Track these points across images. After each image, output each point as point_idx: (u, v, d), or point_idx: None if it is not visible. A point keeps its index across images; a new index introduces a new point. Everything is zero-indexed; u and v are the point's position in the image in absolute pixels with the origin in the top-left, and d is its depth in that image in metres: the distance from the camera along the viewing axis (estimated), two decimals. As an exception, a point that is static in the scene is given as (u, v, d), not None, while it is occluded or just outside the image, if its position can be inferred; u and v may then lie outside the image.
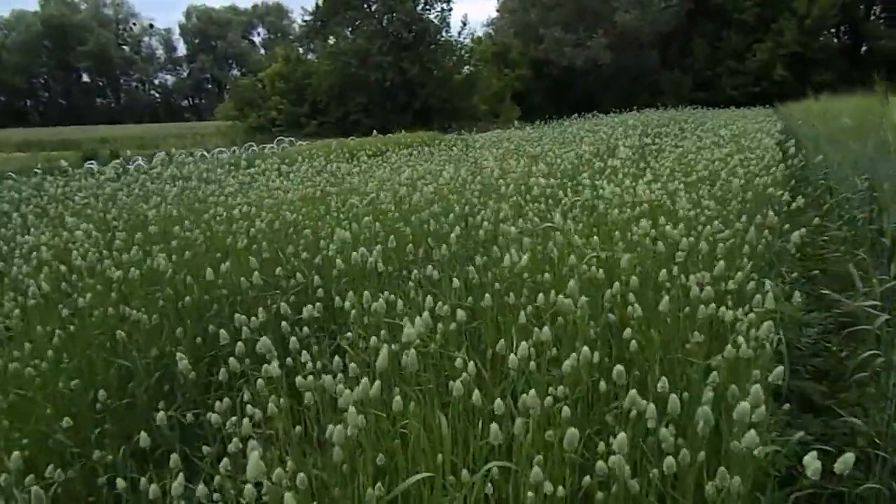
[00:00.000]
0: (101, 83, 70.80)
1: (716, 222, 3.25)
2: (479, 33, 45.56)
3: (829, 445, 2.88)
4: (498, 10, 50.03)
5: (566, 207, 3.84)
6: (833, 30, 39.69)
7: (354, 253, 3.15)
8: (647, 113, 21.40)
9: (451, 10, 37.75)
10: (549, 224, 3.20)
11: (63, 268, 3.49)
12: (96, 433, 2.82)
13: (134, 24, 73.65)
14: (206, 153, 18.92)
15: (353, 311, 2.62)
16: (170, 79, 78.07)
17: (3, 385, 2.79)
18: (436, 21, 37.12)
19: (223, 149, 20.71)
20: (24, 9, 69.45)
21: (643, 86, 39.85)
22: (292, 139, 25.76)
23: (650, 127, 12.33)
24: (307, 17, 38.96)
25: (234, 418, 2.35)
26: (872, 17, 42.24)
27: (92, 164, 16.03)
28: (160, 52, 77.93)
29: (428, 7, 37.17)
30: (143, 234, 3.91)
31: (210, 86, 79.31)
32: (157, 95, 76.95)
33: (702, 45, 40.32)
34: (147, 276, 3.47)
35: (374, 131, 16.49)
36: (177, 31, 76.93)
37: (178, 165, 6.85)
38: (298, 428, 2.21)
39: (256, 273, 3.27)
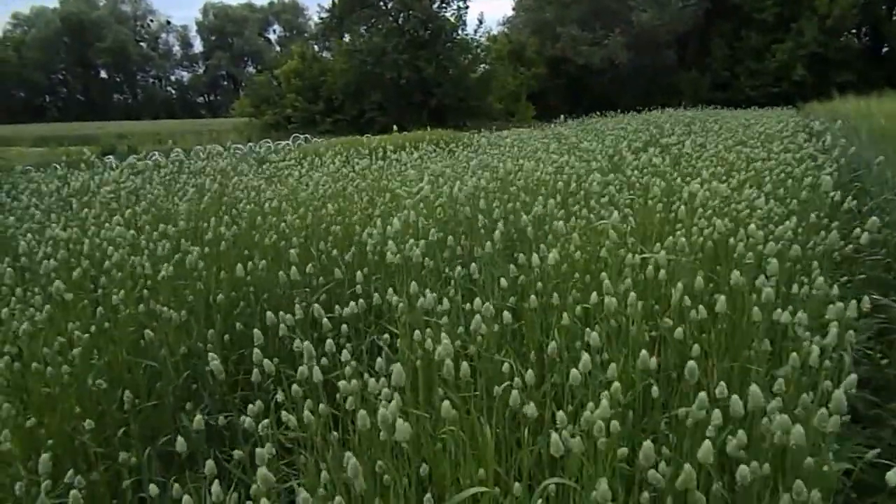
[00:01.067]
0: (118, 79, 71.32)
1: (787, 223, 3.08)
2: (495, 32, 45.35)
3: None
4: (514, 9, 49.87)
5: (620, 204, 3.72)
6: (854, 30, 39.09)
7: (396, 247, 3.01)
8: (669, 111, 21.13)
9: (467, 8, 37.69)
10: (603, 221, 3.09)
11: (86, 262, 3.42)
12: (121, 434, 2.75)
13: (151, 20, 74.20)
14: (222, 149, 18.97)
15: (400, 310, 2.52)
16: (186, 75, 78.59)
17: (29, 382, 2.73)
18: (452, 19, 36.99)
19: (240, 145, 20.76)
20: (43, 5, 70.21)
21: (661, 86, 39.49)
22: (308, 136, 25.79)
23: (677, 125, 12.15)
24: (323, 15, 39.00)
25: (265, 421, 2.26)
26: (894, 18, 41.65)
27: (110, 158, 16.12)
28: (177, 48, 78.47)
29: (444, 5, 37.07)
30: (172, 229, 3.83)
31: (226, 83, 79.64)
32: (173, 92, 77.37)
33: (720, 45, 39.88)
34: (177, 272, 3.40)
35: (395, 128, 16.35)
36: (193, 27, 77.44)
37: (201, 159, 6.75)
38: (335, 434, 2.11)
39: (294, 268, 3.18)
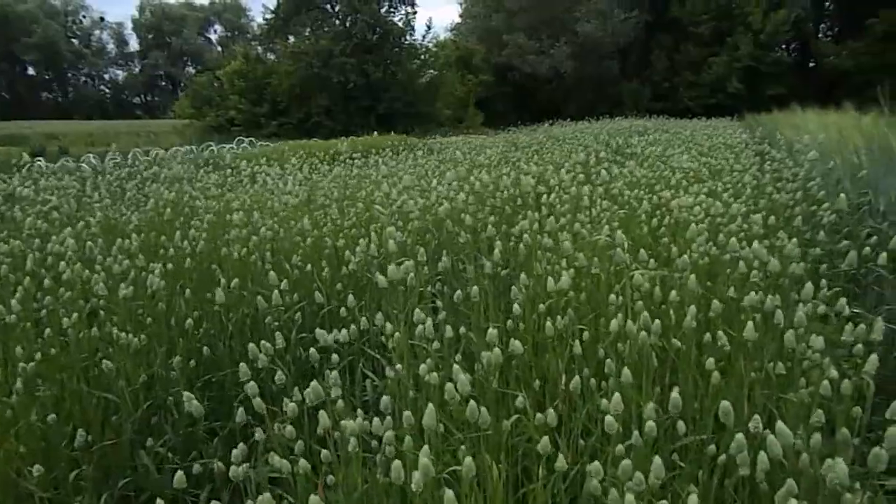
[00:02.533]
0: (47, 77, 67.85)
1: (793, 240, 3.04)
2: (443, 38, 45.42)
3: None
4: (461, 16, 50.12)
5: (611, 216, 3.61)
6: (784, 46, 41.01)
7: (390, 268, 2.80)
8: (621, 120, 21.53)
9: (415, 13, 37.46)
10: (606, 237, 2.98)
11: (27, 280, 3.08)
12: (73, 476, 2.46)
13: (84, 16, 70.89)
14: (162, 152, 18.19)
15: (396, 338, 2.33)
16: (121, 74, 75.43)
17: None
18: (400, 24, 36.81)
19: (179, 148, 19.96)
20: (-36, -3, 66.07)
21: (604, 95, 40.43)
22: (252, 139, 25.08)
23: (633, 135, 12.31)
24: (268, 16, 38.13)
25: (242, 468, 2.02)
26: (820, 35, 43.89)
27: (39, 161, 15.17)
28: (111, 46, 75.23)
29: (392, 10, 36.86)
30: (130, 244, 3.51)
31: (163, 83, 76.94)
32: (107, 91, 74.14)
33: (660, 58, 41.15)
34: (135, 292, 3.10)
35: (347, 136, 16.08)
36: (129, 25, 74.46)
37: (148, 162, 6.35)
38: (331, 478, 1.91)
39: (276, 292, 2.93)
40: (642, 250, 2.80)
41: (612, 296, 2.45)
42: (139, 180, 5.87)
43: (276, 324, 3.07)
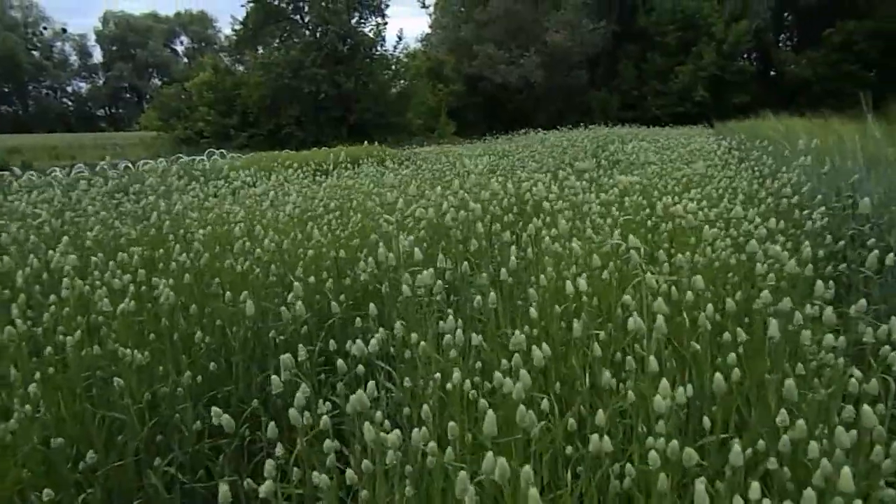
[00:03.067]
0: (6, 89, 66.12)
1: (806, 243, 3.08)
2: (413, 49, 45.58)
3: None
4: (431, 26, 50.38)
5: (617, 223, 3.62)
6: (746, 55, 42.09)
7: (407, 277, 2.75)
8: (600, 128, 21.73)
9: (385, 24, 37.52)
10: (617, 241, 2.98)
11: (21, 297, 2.97)
12: (81, 501, 2.36)
13: (45, 28, 69.36)
14: (130, 165, 17.85)
15: (422, 348, 2.29)
16: (84, 86, 73.94)
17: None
18: (371, 35, 36.84)
19: (149, 161, 19.62)
20: (-82, 8, 64.11)
21: (573, 104, 40.91)
22: (223, 151, 24.77)
23: (611, 142, 12.44)
24: (237, 27, 37.80)
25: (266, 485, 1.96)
26: (780, 45, 45.21)
27: (2, 174, 14.75)
28: (74, 58, 73.76)
29: (363, 21, 36.89)
30: (133, 257, 3.40)
31: (128, 95, 75.64)
32: (69, 104, 72.57)
33: (628, 67, 41.87)
34: (138, 307, 3.00)
35: (329, 144, 16.01)
36: (92, 37, 73.09)
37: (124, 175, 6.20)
38: (365, 493, 1.86)
39: (299, 303, 2.86)
40: (659, 252, 2.83)
41: (627, 297, 2.46)
42: (130, 193, 5.72)
43: (281, 337, 3.01)
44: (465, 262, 3.10)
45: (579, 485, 1.96)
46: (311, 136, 32.69)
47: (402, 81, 38.15)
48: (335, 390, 2.53)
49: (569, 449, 2.04)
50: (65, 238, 3.47)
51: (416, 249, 2.77)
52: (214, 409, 2.12)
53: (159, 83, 70.01)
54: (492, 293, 2.60)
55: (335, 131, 33.14)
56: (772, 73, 43.08)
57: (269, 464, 1.90)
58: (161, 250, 3.56)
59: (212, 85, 36.09)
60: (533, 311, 2.51)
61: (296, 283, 2.91)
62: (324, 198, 5.11)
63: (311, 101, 34.29)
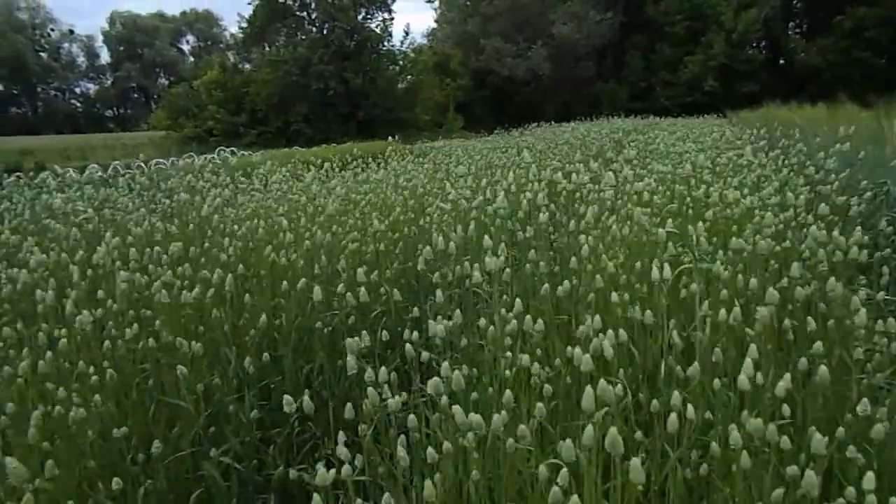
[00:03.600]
0: (15, 91, 66.51)
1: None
2: (419, 44, 45.49)
3: None
4: (437, 21, 50.25)
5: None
6: (756, 44, 41.75)
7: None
8: (611, 120, 21.53)
9: (392, 19, 37.50)
10: (673, 230, 2.99)
11: (74, 293, 3.00)
12: (142, 492, 2.39)
13: (52, 29, 69.58)
14: (143, 165, 17.94)
15: (490, 335, 2.31)
16: (92, 87, 74.21)
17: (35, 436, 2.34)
18: (378, 31, 36.83)
19: (162, 161, 19.71)
20: (-74, 11, 64.51)
21: (581, 96, 40.75)
22: (234, 149, 24.84)
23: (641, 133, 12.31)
24: (244, 25, 37.87)
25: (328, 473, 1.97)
26: (789, 33, 44.87)
27: (20, 175, 14.86)
28: (81, 59, 74.03)
29: (369, 17, 36.86)
30: (169, 252, 3.43)
31: (136, 95, 75.92)
32: (77, 105, 72.90)
33: (636, 58, 41.65)
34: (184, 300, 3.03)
35: (338, 141, 16.04)
36: (100, 37, 73.32)
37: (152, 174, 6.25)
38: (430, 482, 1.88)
39: (363, 289, 2.88)
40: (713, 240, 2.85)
41: (693, 285, 2.47)
42: (164, 190, 5.76)
43: (329, 329, 3.04)
44: (532, 251, 3.12)
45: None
46: (319, 132, 32.75)
47: (409, 77, 38.13)
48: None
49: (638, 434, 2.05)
50: (107, 235, 3.49)
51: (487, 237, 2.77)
52: (286, 397, 2.16)
53: (166, 83, 70.28)
54: (545, 285, 2.62)
55: (343, 128, 33.19)
56: (781, 61, 42.78)
57: (344, 451, 1.92)
58: (206, 244, 3.58)
59: (220, 83, 36.21)
60: (591, 297, 2.53)
61: (359, 270, 2.94)
62: (375, 189, 5.13)
63: (319, 98, 34.35)
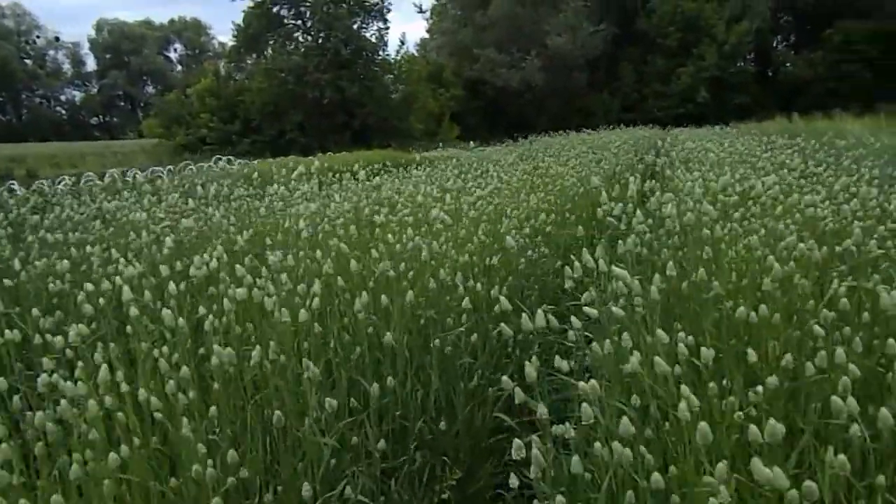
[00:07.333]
0: (0, 98, 65.60)
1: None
2: (411, 53, 45.49)
3: None
4: (428, 31, 50.32)
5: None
6: (747, 56, 42.26)
7: None
8: (625, 130, 21.33)
9: (387, 29, 37.48)
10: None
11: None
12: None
13: (38, 36, 68.76)
14: (139, 172, 17.62)
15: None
16: (78, 95, 73.31)
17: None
18: (373, 40, 36.78)
19: (159, 169, 19.39)
20: None
21: (574, 107, 40.90)
22: (230, 158, 24.53)
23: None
24: (237, 33, 37.61)
25: None
26: (776, 45, 45.52)
27: (13, 184, 14.50)
28: (67, 66, 73.14)
29: (364, 26, 36.81)
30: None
31: (122, 103, 75.14)
32: (63, 112, 71.98)
33: (628, 69, 41.95)
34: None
35: (333, 150, 15.86)
36: (86, 45, 72.51)
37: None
38: None
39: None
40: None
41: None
42: (237, 198, 5.53)
43: (448, 348, 2.86)
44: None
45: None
46: (314, 141, 32.52)
47: (402, 87, 38.03)
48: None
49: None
50: (217, 243, 3.28)
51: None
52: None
53: (153, 91, 69.63)
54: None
55: (339, 137, 32.98)
56: (770, 73, 43.36)
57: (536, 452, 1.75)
58: (300, 253, 3.35)
59: (214, 91, 35.90)
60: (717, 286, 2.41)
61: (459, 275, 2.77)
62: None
63: (314, 107, 34.16)
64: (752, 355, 2.18)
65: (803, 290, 2.61)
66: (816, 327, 2.22)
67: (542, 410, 1.93)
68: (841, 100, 31.09)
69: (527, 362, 2.05)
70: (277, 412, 2.36)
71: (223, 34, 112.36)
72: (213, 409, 2.35)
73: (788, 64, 42.51)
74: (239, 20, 37.10)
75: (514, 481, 1.92)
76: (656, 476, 1.73)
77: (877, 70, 35.95)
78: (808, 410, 2.10)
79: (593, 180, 5.96)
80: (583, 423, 1.92)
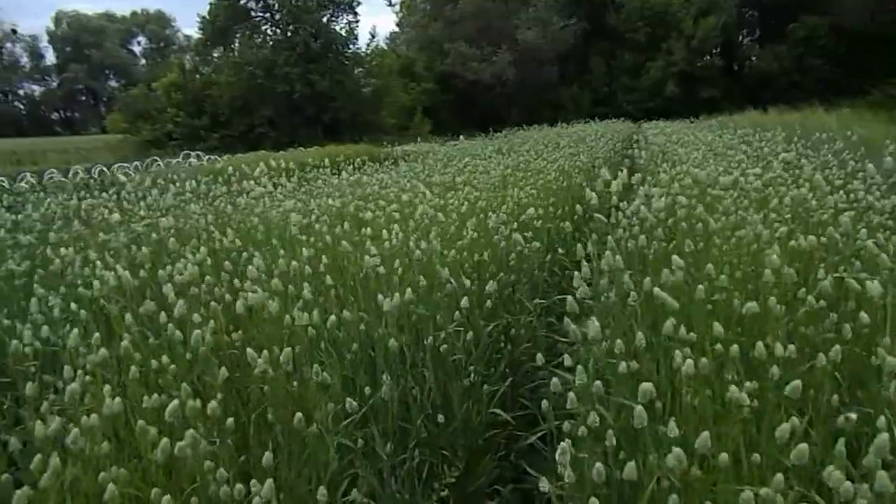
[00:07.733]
0: (-46, 93, 63.46)
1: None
2: (385, 46, 45.17)
3: None
4: (398, 24, 50.02)
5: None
6: (714, 50, 42.86)
7: None
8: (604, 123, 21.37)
9: (357, 22, 37.10)
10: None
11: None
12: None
13: (-7, 29, 66.60)
14: (105, 169, 17.16)
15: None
16: (37, 89, 71.20)
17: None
18: (343, 33, 36.38)
19: (126, 165, 18.91)
20: None
21: (545, 101, 41.07)
22: (199, 153, 24.03)
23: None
24: (203, 26, 36.85)
25: None
26: (741, 39, 46.28)
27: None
28: (25, 60, 70.93)
29: (334, 18, 36.38)
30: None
31: (84, 97, 73.20)
32: (21, 107, 69.85)
33: (598, 63, 42.28)
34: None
35: (304, 145, 15.63)
36: (45, 38, 70.37)
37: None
38: None
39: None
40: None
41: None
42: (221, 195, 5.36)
43: (442, 346, 2.79)
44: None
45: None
46: (284, 136, 32.04)
47: (374, 80, 37.72)
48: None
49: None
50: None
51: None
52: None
53: (116, 85, 67.97)
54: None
55: (310, 131, 32.56)
56: (737, 67, 44.06)
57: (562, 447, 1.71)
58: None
59: (180, 86, 35.15)
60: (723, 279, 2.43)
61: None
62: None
63: (284, 101, 33.68)
64: (759, 347, 2.18)
65: (792, 280, 2.64)
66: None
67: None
68: (804, 93, 31.77)
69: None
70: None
71: (189, 27, 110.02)
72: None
73: (754, 58, 43.26)
74: (205, 12, 36.41)
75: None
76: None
77: (839, 64, 36.80)
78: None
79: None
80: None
